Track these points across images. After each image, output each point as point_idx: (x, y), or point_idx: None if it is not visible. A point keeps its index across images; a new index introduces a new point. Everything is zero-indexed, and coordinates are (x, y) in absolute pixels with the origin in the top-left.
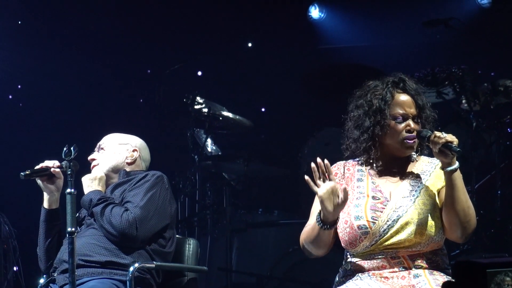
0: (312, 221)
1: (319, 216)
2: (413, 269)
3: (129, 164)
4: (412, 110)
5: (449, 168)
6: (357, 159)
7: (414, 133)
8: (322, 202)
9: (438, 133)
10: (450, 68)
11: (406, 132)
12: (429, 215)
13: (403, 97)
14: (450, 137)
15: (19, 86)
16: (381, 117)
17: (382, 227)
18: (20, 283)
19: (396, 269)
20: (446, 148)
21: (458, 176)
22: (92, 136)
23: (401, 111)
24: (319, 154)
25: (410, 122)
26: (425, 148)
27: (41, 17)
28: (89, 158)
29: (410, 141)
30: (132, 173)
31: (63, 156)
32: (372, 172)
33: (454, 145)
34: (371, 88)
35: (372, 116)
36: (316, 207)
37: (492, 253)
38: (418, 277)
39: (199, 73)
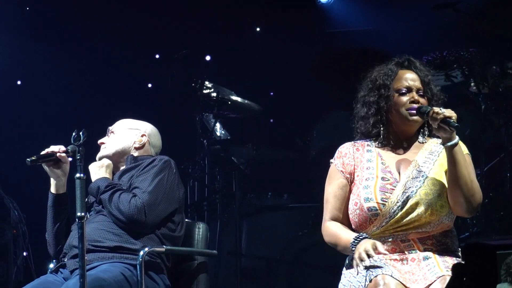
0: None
1: (352, 248)
2: (423, 251)
3: (136, 148)
4: (417, 84)
5: (449, 143)
6: (367, 140)
7: (418, 105)
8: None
9: (436, 109)
10: (459, 51)
11: (410, 103)
12: (438, 195)
13: (407, 73)
14: (448, 112)
15: (27, 73)
16: (385, 91)
17: (392, 208)
18: (30, 268)
19: (406, 252)
20: (444, 123)
21: (459, 151)
22: (100, 122)
23: (405, 84)
24: (328, 137)
25: (414, 94)
26: (434, 129)
27: (48, 2)
28: (99, 142)
29: (413, 111)
30: (139, 158)
31: (72, 141)
32: (381, 152)
33: (452, 120)
34: (376, 69)
35: (376, 91)
36: (330, 195)
37: (502, 235)
38: (427, 259)
39: (208, 57)
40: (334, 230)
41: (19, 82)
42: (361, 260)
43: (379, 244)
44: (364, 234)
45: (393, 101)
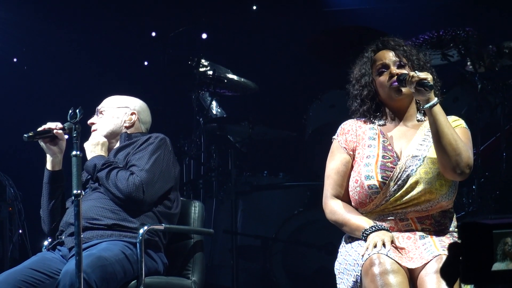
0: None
1: (366, 232)
2: (421, 231)
3: (127, 127)
4: (392, 58)
5: (427, 105)
6: (368, 118)
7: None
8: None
9: (412, 73)
10: (455, 31)
11: (390, 78)
12: (438, 173)
13: (381, 53)
14: (423, 75)
15: (24, 49)
16: (366, 78)
17: (392, 187)
18: (26, 245)
19: (403, 230)
20: (420, 86)
21: (439, 111)
22: (96, 99)
23: (380, 63)
24: (324, 116)
25: (392, 68)
26: None
27: None
28: (89, 122)
29: (395, 83)
30: (133, 136)
31: (69, 119)
32: (383, 130)
33: (427, 81)
34: (356, 62)
35: (357, 83)
36: (333, 171)
37: (498, 215)
38: (424, 238)
39: (204, 35)
40: (342, 210)
41: (15, 60)
42: (374, 246)
43: (395, 239)
44: (383, 225)
45: (376, 84)
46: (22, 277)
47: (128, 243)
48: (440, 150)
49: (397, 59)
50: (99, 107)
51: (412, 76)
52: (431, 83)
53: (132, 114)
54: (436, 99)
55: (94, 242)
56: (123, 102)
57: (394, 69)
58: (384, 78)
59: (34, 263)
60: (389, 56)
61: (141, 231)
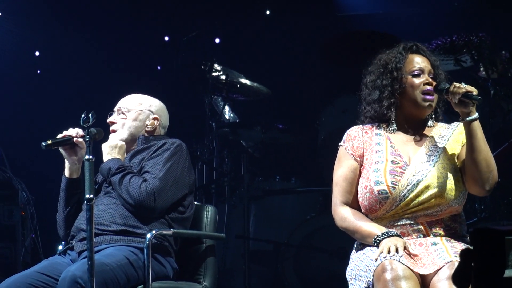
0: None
1: (379, 238)
2: (431, 236)
3: (148, 132)
4: (428, 67)
5: (469, 118)
6: (375, 123)
7: (432, 87)
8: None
9: (457, 84)
10: (468, 36)
11: (424, 85)
12: (448, 178)
13: (417, 56)
14: (469, 87)
15: (37, 53)
16: (398, 73)
17: (402, 192)
18: (38, 250)
19: (414, 236)
20: (466, 97)
21: (478, 126)
22: (110, 103)
23: (417, 66)
24: (337, 121)
25: (427, 76)
26: (441, 114)
27: None
28: (109, 120)
29: (429, 97)
30: (151, 139)
31: (81, 123)
32: (390, 136)
33: (474, 94)
34: (385, 54)
35: (388, 74)
36: (341, 178)
37: (510, 221)
38: (435, 244)
39: (217, 40)
40: (352, 217)
41: (29, 64)
42: (388, 252)
43: (408, 245)
44: (395, 231)
45: (407, 83)
46: (30, 281)
47: (134, 248)
48: (474, 165)
49: (432, 69)
50: (119, 105)
51: (459, 87)
52: (479, 96)
53: (154, 119)
54: (476, 113)
55: (102, 247)
56: (145, 104)
57: (430, 78)
58: (418, 81)
59: (44, 267)
60: (425, 63)
61: (148, 235)
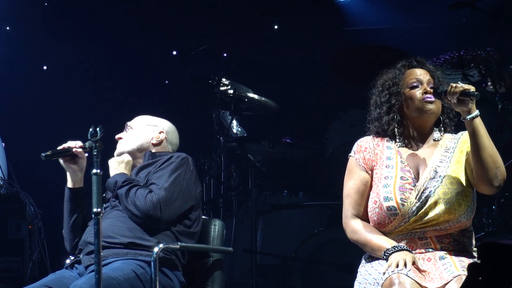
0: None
1: (388, 252)
2: (440, 250)
3: (154, 145)
4: (427, 77)
5: (469, 116)
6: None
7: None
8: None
9: (454, 84)
10: (476, 51)
11: (423, 94)
12: (456, 193)
13: (416, 69)
14: (466, 86)
15: (45, 67)
16: (395, 88)
17: (411, 209)
18: (45, 264)
19: (423, 250)
20: (465, 95)
21: (480, 123)
22: (118, 118)
23: (414, 79)
24: (344, 135)
25: (426, 86)
26: (449, 125)
27: None
28: (117, 136)
29: (430, 100)
30: (157, 155)
31: (89, 137)
32: (400, 150)
33: (472, 90)
34: (384, 73)
35: (386, 90)
36: (353, 190)
37: None
38: (443, 259)
39: (225, 54)
40: (363, 230)
41: (34, 77)
42: (396, 266)
43: (416, 260)
44: (404, 245)
45: (405, 96)
46: None
47: (142, 262)
48: (480, 162)
49: (431, 79)
50: (129, 122)
51: (456, 86)
52: (477, 92)
53: (160, 132)
54: (477, 111)
55: (110, 260)
56: (153, 121)
57: (428, 88)
58: (417, 92)
59: (51, 281)
60: (424, 74)
61: (155, 249)
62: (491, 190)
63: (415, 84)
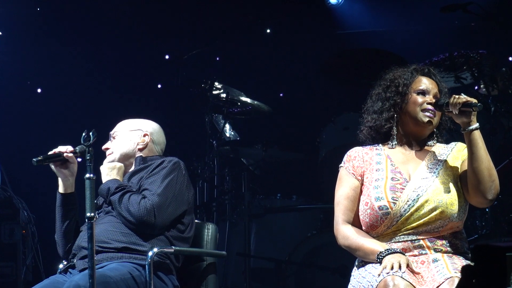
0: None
1: (382, 255)
2: (433, 253)
3: (140, 150)
4: (435, 90)
5: (470, 128)
6: (375, 144)
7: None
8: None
9: (457, 95)
10: (469, 53)
11: (426, 104)
12: (448, 193)
13: (427, 78)
14: (469, 98)
15: (37, 74)
16: (403, 89)
17: (403, 207)
18: (39, 268)
19: (416, 253)
20: (467, 106)
21: (479, 136)
22: (110, 122)
23: (423, 86)
24: (337, 138)
25: (431, 97)
26: (443, 135)
27: (58, 3)
28: (103, 147)
29: (429, 113)
30: (148, 159)
31: (82, 141)
32: (390, 154)
33: (474, 102)
34: (396, 70)
35: (394, 88)
36: (342, 197)
37: (511, 237)
38: (437, 261)
39: (218, 58)
40: (355, 235)
41: (28, 82)
42: (391, 268)
43: (410, 263)
44: (397, 248)
45: (409, 99)
46: None
47: (137, 265)
48: (476, 175)
49: (438, 93)
50: (112, 132)
51: (459, 97)
52: (479, 103)
53: (144, 135)
54: (477, 123)
55: (104, 264)
56: (135, 125)
57: (433, 99)
58: (420, 99)
59: (45, 286)
60: (433, 86)
61: (150, 253)
62: (485, 203)
63: (421, 92)
